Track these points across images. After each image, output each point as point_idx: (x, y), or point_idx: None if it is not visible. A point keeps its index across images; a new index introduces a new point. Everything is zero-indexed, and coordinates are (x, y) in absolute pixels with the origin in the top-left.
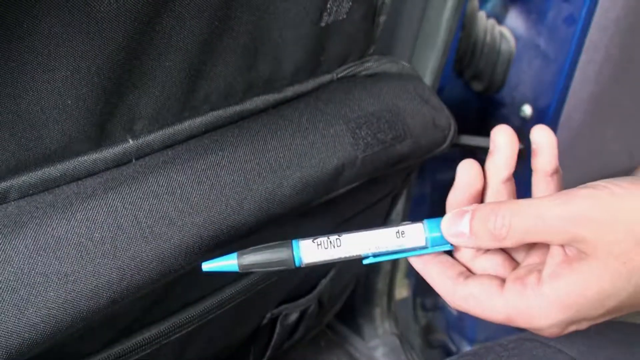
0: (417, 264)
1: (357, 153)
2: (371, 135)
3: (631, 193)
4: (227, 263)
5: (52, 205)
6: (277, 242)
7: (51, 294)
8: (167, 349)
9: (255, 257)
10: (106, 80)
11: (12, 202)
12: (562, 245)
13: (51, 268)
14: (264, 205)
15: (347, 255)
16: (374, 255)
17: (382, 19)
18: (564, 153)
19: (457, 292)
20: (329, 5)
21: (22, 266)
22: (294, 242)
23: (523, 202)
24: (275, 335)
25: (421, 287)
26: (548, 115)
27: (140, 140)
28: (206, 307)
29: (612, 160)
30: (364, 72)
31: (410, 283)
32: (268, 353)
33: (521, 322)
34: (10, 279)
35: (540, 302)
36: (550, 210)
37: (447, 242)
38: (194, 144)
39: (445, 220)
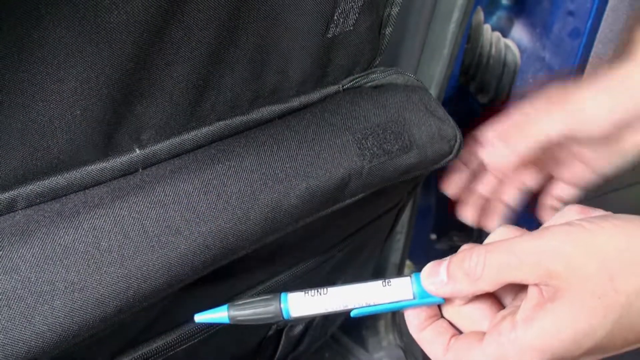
0: (412, 328)
1: (364, 163)
2: (377, 146)
3: (603, 229)
4: (218, 315)
5: (59, 214)
6: (266, 296)
7: (58, 302)
8: (176, 358)
9: (246, 311)
10: (114, 90)
11: (20, 211)
12: (538, 286)
13: (58, 276)
14: (270, 215)
15: (336, 309)
16: (363, 310)
17: (388, 30)
18: None
19: (445, 358)
20: (335, 17)
21: (29, 274)
22: (282, 295)
23: (498, 241)
24: (280, 347)
25: None
26: None
27: (147, 150)
28: None
29: (616, 173)
30: (369, 84)
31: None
32: None
33: None
34: (17, 287)
35: (514, 348)
36: (523, 245)
37: (435, 298)
38: (201, 153)
39: (425, 269)
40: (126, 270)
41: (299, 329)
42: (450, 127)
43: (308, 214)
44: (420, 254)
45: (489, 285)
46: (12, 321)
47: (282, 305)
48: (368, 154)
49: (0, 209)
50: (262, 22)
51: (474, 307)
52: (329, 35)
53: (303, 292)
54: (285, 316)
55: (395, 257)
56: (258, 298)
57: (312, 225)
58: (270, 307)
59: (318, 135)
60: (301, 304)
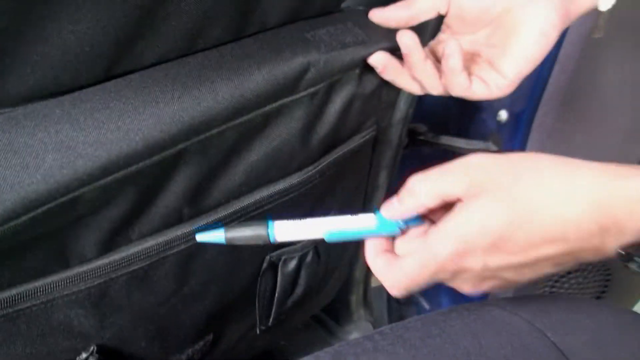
0: (369, 256)
1: (320, 54)
2: (332, 39)
3: (517, 154)
4: (216, 235)
5: (49, 102)
6: (257, 221)
7: (49, 156)
8: (167, 266)
9: (238, 233)
10: (120, 32)
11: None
12: (462, 200)
13: (48, 137)
14: (237, 92)
15: (313, 235)
16: (334, 234)
17: None
18: None
19: (390, 274)
20: None
21: (23, 135)
22: (269, 222)
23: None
24: (277, 287)
25: None
26: (522, 120)
27: None
28: (201, 225)
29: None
30: None
31: None
32: (274, 308)
33: (431, 262)
34: (12, 144)
35: (437, 238)
36: (454, 163)
37: (392, 227)
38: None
39: (383, 204)
40: (108, 132)
41: (292, 264)
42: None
43: (272, 97)
44: None
45: (427, 198)
46: (9, 169)
47: (268, 230)
48: (323, 46)
49: None
50: None
51: (420, 239)
52: None
53: (286, 220)
54: (271, 240)
55: None
56: (249, 222)
57: (286, 136)
58: (259, 231)
59: (276, 34)
60: (284, 230)
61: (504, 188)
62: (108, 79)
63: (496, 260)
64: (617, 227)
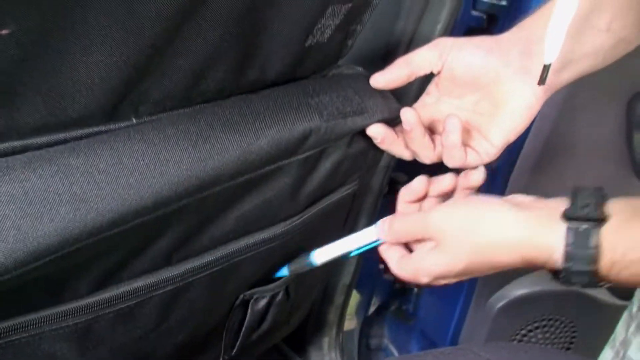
0: (383, 251)
1: (322, 122)
2: (334, 107)
3: (467, 206)
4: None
5: (65, 148)
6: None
7: (63, 209)
8: (152, 304)
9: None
10: (130, 68)
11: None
12: (430, 240)
13: (64, 188)
14: (243, 156)
15: (343, 252)
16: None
17: (350, 42)
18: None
19: (399, 266)
20: (314, 31)
21: (39, 185)
22: (310, 253)
23: (414, 214)
24: (246, 321)
25: (367, 328)
26: (500, 173)
27: (142, 120)
28: (187, 268)
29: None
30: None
31: (358, 320)
32: (239, 340)
33: (417, 281)
34: (28, 194)
35: (419, 270)
36: (421, 218)
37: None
38: (184, 112)
39: (379, 224)
40: (120, 188)
41: (263, 302)
42: (394, 103)
43: (274, 159)
44: (367, 281)
45: (404, 236)
46: (24, 219)
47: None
48: (325, 113)
49: (14, 152)
50: (254, 30)
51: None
52: (306, 45)
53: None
54: (313, 264)
55: (346, 278)
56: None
57: (277, 191)
58: (304, 261)
59: (281, 98)
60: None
61: (458, 243)
62: (114, 113)
63: (461, 277)
64: (535, 264)
